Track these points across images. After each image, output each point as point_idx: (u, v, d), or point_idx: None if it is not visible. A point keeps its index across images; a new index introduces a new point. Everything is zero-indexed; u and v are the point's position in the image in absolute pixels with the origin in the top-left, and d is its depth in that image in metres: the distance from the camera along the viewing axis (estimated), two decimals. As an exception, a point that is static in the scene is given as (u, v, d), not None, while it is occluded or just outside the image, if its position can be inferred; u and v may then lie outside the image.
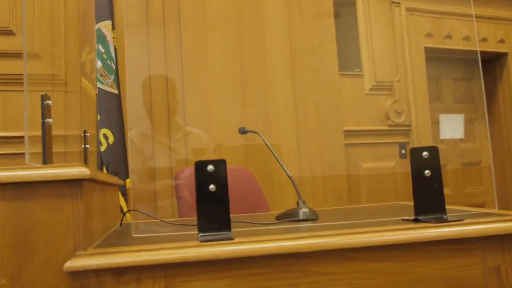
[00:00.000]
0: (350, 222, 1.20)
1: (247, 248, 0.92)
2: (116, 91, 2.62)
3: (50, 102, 1.04)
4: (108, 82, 2.59)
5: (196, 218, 1.00)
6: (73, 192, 0.90)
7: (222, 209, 1.01)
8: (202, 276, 0.92)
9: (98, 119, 2.56)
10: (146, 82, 2.87)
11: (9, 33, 2.65)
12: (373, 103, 3.17)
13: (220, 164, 1.02)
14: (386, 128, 3.16)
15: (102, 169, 2.52)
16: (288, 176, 1.39)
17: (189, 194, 2.15)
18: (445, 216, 1.07)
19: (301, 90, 3.05)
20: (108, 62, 2.61)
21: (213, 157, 2.73)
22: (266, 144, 1.44)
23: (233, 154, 2.87)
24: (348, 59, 3.17)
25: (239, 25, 3.00)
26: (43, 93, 1.02)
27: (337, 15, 3.17)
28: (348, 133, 3.10)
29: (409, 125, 3.17)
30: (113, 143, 2.56)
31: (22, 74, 2.66)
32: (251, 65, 3.00)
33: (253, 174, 2.32)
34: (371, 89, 3.18)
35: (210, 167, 1.02)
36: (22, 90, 2.66)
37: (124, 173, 2.60)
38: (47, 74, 2.74)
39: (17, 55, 2.65)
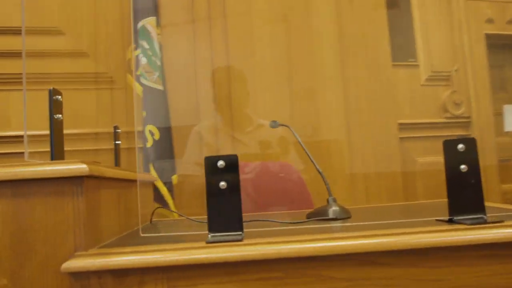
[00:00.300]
0: (379, 222, 1.09)
1: (255, 251, 0.85)
2: (161, 87, 2.61)
3: (60, 97, 1.01)
4: (153, 78, 2.59)
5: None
6: (73, 190, 0.86)
7: (233, 208, 0.95)
8: (208, 280, 0.86)
9: (144, 116, 2.57)
10: (201, 75, 2.85)
11: (58, 32, 2.70)
12: (430, 94, 2.98)
13: (232, 159, 0.95)
14: (444, 120, 2.96)
15: (149, 165, 2.53)
16: (319, 172, 1.30)
17: (251, 190, 2.11)
18: (483, 217, 0.95)
19: (352, 82, 2.93)
20: (153, 58, 2.61)
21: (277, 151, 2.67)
22: (297, 138, 1.36)
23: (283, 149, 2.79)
24: (402, 48, 3.00)
25: (286, 18, 2.92)
26: (51, 88, 0.99)
27: (390, 4, 3.01)
28: (403, 127, 2.94)
29: (468, 117, 2.96)
30: (159, 139, 2.56)
31: (72, 73, 2.72)
32: (299, 58, 2.91)
33: (298, 170, 2.24)
34: (427, 79, 3.00)
35: (221, 163, 0.95)
36: (74, 89, 2.72)
37: (170, 169, 2.59)
38: (95, 72, 2.78)
39: (66, 54, 2.71)
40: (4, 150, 2.56)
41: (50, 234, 0.86)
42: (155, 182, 2.53)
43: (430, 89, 2.98)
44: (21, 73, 2.62)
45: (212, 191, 0.95)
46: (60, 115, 1.00)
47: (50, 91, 0.98)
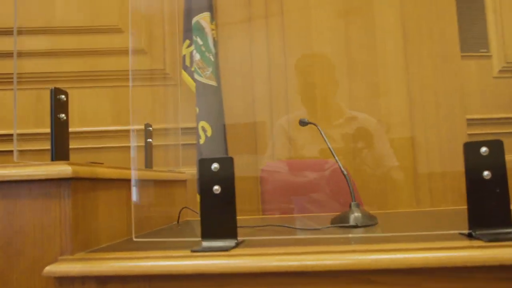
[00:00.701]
0: (394, 234, 0.99)
1: (238, 263, 0.79)
2: (214, 83, 2.60)
3: (64, 96, 1.01)
4: (206, 74, 2.58)
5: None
6: (60, 192, 0.85)
7: (227, 214, 0.89)
8: None
9: (197, 112, 2.56)
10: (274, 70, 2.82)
11: (117, 31, 2.77)
12: (503, 87, 2.73)
13: (226, 162, 0.90)
14: (518, 115, 2.71)
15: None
16: (343, 174, 1.21)
17: (274, 190, 2.05)
18: (509, 232, 0.82)
19: (417, 75, 2.75)
20: (207, 54, 2.60)
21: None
22: (323, 136, 1.27)
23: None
24: (473, 38, 2.77)
25: (345, 11, 2.80)
26: (53, 88, 0.98)
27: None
28: (472, 122, 2.72)
29: (547, 112, 2.68)
30: (211, 135, 2.55)
31: (131, 70, 2.77)
32: (360, 53, 2.77)
33: (348, 170, 2.13)
34: (500, 71, 2.75)
35: (215, 166, 0.90)
36: (133, 85, 2.78)
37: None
38: (153, 69, 2.82)
39: (125, 52, 2.77)
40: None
41: (38, 237, 0.85)
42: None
43: (504, 81, 2.72)
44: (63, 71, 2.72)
45: (205, 196, 0.90)
46: (63, 115, 0.99)
47: (51, 90, 0.97)
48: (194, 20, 2.62)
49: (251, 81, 2.82)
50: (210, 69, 2.60)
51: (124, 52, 2.78)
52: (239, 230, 0.86)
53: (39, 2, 2.74)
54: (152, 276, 0.81)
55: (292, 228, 1.12)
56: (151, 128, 1.50)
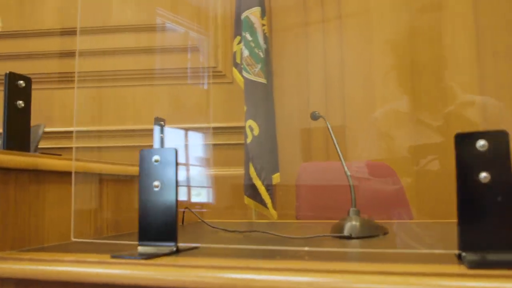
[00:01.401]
0: (376, 250, 0.79)
1: (150, 275, 0.65)
2: (263, 80, 2.47)
3: (23, 82, 0.93)
4: (255, 71, 2.46)
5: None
6: (-17, 183, 0.76)
7: (167, 213, 0.76)
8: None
9: (244, 110, 2.45)
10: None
11: (170, 29, 2.73)
12: None
13: (168, 153, 0.76)
14: None
15: (248, 163, 2.41)
16: (346, 176, 1.03)
17: (308, 193, 1.87)
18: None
19: (491, 76, 2.43)
20: (256, 50, 2.47)
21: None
22: (330, 133, 1.09)
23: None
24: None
25: (408, 11, 2.55)
26: (8, 72, 0.91)
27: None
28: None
29: None
30: (258, 134, 2.42)
31: (183, 68, 2.73)
32: (425, 54, 2.51)
33: (396, 172, 1.90)
34: None
35: (156, 158, 0.77)
36: (186, 84, 2.73)
37: (270, 166, 2.44)
38: (206, 67, 2.75)
39: (179, 49, 2.72)
40: (119, 143, 2.67)
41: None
42: (254, 181, 2.40)
43: None
44: (112, 70, 2.71)
45: (143, 192, 0.77)
46: (21, 102, 0.91)
47: (6, 75, 0.90)
48: (243, 15, 2.51)
49: (306, 79, 2.66)
50: (259, 66, 2.47)
51: (178, 49, 2.74)
52: (219, 235, 0.72)
53: (96, 2, 2.78)
54: (63, 283, 0.69)
55: (279, 236, 0.96)
56: (163, 123, 1.40)
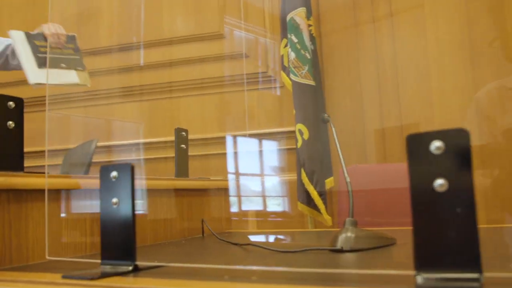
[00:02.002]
0: (342, 271, 0.71)
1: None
2: (312, 82, 2.40)
3: (13, 103, 0.95)
4: (302, 73, 2.40)
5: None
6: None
7: (124, 231, 0.73)
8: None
9: (294, 114, 2.40)
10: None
11: (219, 37, 2.74)
12: None
13: (125, 170, 0.74)
14: None
15: (300, 168, 2.35)
16: (346, 182, 0.95)
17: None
18: (476, 279, 0.51)
19: None
20: (302, 52, 2.41)
21: None
22: (334, 136, 1.02)
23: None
24: None
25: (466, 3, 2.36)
26: (-4, 94, 0.93)
27: None
28: None
29: None
30: (308, 138, 2.35)
31: (234, 75, 2.72)
32: (484, 43, 2.31)
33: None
34: None
35: (114, 174, 0.75)
36: (237, 91, 2.73)
37: (322, 171, 2.36)
38: (256, 72, 2.73)
39: (227, 57, 2.72)
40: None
41: None
42: (306, 186, 2.33)
43: None
44: (182, 80, 2.75)
45: (104, 209, 0.75)
46: (11, 122, 0.93)
47: (-5, 97, 0.92)
48: (288, 17, 2.46)
49: (357, 78, 2.55)
50: (306, 68, 2.40)
51: (227, 57, 2.74)
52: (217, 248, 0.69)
53: (148, 16, 2.85)
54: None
55: (266, 249, 0.90)
56: (184, 133, 1.38)
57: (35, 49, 2.02)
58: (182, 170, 1.42)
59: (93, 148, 2.24)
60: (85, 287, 0.64)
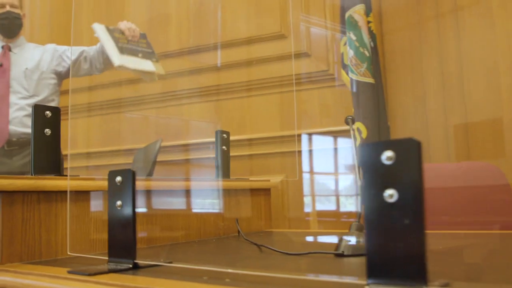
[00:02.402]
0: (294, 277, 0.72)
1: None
2: (371, 80, 2.36)
3: (49, 112, 1.05)
4: (361, 71, 2.37)
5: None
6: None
7: (126, 231, 0.79)
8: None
9: (352, 112, 2.38)
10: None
11: (281, 37, 2.77)
12: None
13: (126, 175, 0.80)
14: None
15: (358, 167, 2.32)
16: (357, 185, 0.95)
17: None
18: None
19: None
20: (361, 49, 2.38)
21: None
22: (352, 139, 1.02)
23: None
24: None
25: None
26: (34, 105, 1.04)
27: None
28: None
29: None
30: (366, 137, 2.32)
31: (295, 74, 2.75)
32: None
33: (504, 175, 1.66)
34: None
35: (118, 179, 0.81)
36: (298, 90, 2.75)
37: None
38: (317, 71, 2.73)
39: (288, 57, 2.75)
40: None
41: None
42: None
43: None
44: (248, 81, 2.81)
45: (111, 211, 0.82)
46: (48, 130, 1.04)
47: (33, 107, 1.03)
48: (347, 14, 2.43)
49: (420, 75, 2.47)
50: (365, 65, 2.37)
51: (288, 57, 2.76)
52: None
53: (211, 19, 2.95)
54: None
55: (275, 250, 0.93)
56: (225, 135, 1.44)
57: (115, 40, 2.19)
58: (223, 171, 1.47)
59: (157, 148, 2.36)
60: (84, 282, 0.71)
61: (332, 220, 2.51)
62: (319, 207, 2.64)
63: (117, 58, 2.08)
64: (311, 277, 0.65)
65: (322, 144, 2.67)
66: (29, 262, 0.91)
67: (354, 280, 0.58)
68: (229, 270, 0.69)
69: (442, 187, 1.61)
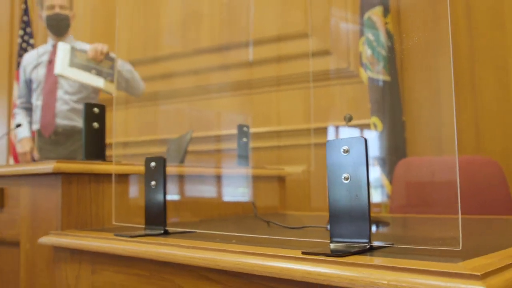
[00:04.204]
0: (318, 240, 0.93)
1: (126, 249, 0.92)
2: (387, 78, 2.54)
3: (97, 109, 1.29)
4: (378, 69, 2.54)
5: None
6: (54, 184, 1.13)
7: (158, 205, 1.02)
8: (110, 268, 0.98)
9: (369, 108, 2.56)
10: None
11: (305, 35, 2.96)
12: None
13: (159, 161, 1.03)
14: None
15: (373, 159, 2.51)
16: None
17: (403, 190, 1.92)
18: (365, 243, 0.71)
19: None
20: (378, 49, 2.55)
21: None
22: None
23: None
24: None
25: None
26: (85, 103, 1.28)
27: None
28: None
29: None
30: (382, 131, 2.51)
31: (319, 71, 2.93)
32: None
33: (502, 170, 1.82)
34: None
35: (153, 164, 1.04)
36: (319, 86, 2.93)
37: (388, 159, 2.50)
38: (337, 68, 2.91)
39: (310, 55, 2.93)
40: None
41: (47, 215, 1.16)
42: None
43: None
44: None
45: (147, 189, 1.05)
46: (96, 123, 1.28)
47: (84, 105, 1.27)
48: (365, 16, 2.61)
49: (435, 73, 2.62)
50: (382, 64, 2.55)
51: (311, 55, 2.94)
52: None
53: (240, 17, 3.16)
54: (90, 252, 1.01)
55: (277, 224, 1.14)
56: (246, 129, 1.66)
57: (73, 55, 2.40)
58: (243, 160, 1.69)
59: (188, 138, 2.59)
60: (125, 242, 0.94)
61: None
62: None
63: (59, 68, 2.30)
64: (292, 238, 0.87)
65: (342, 136, 2.84)
66: (82, 229, 1.15)
67: (323, 240, 0.78)
68: (235, 234, 0.91)
69: (439, 179, 1.79)
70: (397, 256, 0.65)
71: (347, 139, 0.74)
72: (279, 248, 0.75)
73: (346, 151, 0.74)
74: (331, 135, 2.90)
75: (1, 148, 3.65)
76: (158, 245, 0.86)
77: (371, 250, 0.71)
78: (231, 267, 0.73)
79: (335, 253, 0.68)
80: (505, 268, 0.56)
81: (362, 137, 0.73)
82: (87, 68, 2.36)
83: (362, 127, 2.71)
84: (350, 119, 1.29)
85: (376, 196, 2.43)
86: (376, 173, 2.44)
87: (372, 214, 0.97)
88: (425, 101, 2.64)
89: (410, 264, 0.59)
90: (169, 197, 1.22)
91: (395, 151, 2.51)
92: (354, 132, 2.79)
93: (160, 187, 1.02)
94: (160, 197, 1.02)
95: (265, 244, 0.81)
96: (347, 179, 0.74)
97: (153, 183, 1.03)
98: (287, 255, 0.69)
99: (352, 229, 0.73)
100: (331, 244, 0.75)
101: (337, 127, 2.83)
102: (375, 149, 2.49)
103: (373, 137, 2.53)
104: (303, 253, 0.70)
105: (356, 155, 0.73)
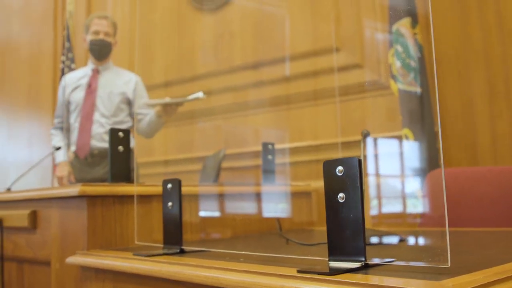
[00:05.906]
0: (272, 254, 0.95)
1: (141, 268, 0.97)
2: (417, 89, 2.52)
3: (122, 133, 1.36)
4: (408, 80, 2.53)
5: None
6: (80, 206, 1.20)
7: (174, 224, 1.07)
8: (130, 286, 1.03)
9: (400, 120, 2.54)
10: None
11: (335, 50, 2.98)
12: None
13: (175, 183, 1.08)
14: None
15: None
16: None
17: (433, 202, 1.90)
18: (361, 261, 0.73)
19: None
20: (407, 60, 2.54)
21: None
22: (361, 152, 1.24)
23: None
24: None
25: None
26: (111, 128, 1.35)
27: None
28: None
29: None
30: (413, 142, 2.49)
31: (349, 85, 2.94)
32: None
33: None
34: None
35: (169, 185, 1.09)
36: (350, 99, 2.94)
37: (420, 171, 2.48)
38: (370, 81, 2.92)
39: (343, 69, 2.94)
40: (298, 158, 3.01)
41: (75, 236, 1.23)
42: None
43: None
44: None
45: (165, 210, 1.10)
46: (121, 147, 1.34)
47: (109, 131, 1.34)
48: (394, 28, 2.61)
49: (467, 82, 2.59)
50: (412, 75, 2.53)
51: (342, 69, 2.96)
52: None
53: (275, 34, 3.21)
54: (112, 271, 1.07)
55: (293, 241, 1.17)
56: (271, 146, 1.70)
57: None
58: (268, 177, 1.72)
59: (221, 156, 2.65)
60: (142, 261, 0.99)
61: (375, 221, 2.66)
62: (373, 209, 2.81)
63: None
64: (295, 256, 0.89)
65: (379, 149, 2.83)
66: (107, 249, 1.21)
67: (323, 258, 0.80)
68: (243, 252, 0.94)
69: (469, 190, 1.76)
70: (388, 274, 0.67)
71: (342, 159, 0.76)
72: (277, 267, 0.78)
73: (341, 172, 0.76)
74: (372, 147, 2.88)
75: (46, 169, 3.82)
76: (169, 264, 0.90)
77: (366, 268, 0.73)
78: (233, 285, 0.76)
79: (330, 272, 0.70)
80: (487, 286, 0.57)
81: (356, 157, 0.75)
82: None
83: (394, 138, 2.70)
84: (367, 135, 1.30)
85: (409, 208, 2.41)
86: (408, 184, 2.41)
87: (390, 229, 0.99)
88: (459, 112, 2.60)
89: (393, 282, 0.60)
90: (200, 214, 1.26)
91: (428, 162, 2.48)
92: (391, 143, 2.77)
93: (176, 208, 1.06)
94: (176, 217, 1.06)
95: (270, 262, 0.84)
96: (342, 198, 0.76)
97: (169, 204, 1.08)
98: (283, 273, 0.72)
99: (348, 247, 0.75)
100: (329, 262, 0.77)
101: (373, 139, 2.82)
102: (407, 161, 2.47)
103: (405, 148, 2.51)
104: (298, 271, 0.72)
105: (351, 175, 0.75)
